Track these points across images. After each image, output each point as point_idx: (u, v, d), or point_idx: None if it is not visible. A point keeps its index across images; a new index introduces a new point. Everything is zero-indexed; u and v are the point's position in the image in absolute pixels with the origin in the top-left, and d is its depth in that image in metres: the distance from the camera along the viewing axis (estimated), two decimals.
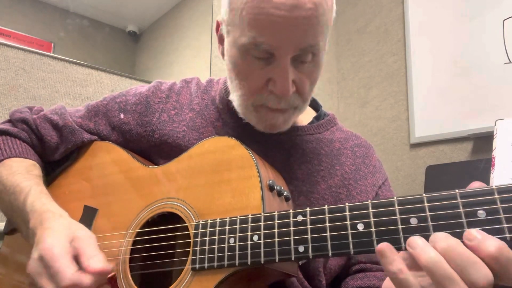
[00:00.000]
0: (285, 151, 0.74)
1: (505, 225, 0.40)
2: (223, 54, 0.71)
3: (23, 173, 0.69)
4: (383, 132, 2.21)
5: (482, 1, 1.84)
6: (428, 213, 0.43)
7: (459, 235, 0.40)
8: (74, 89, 1.57)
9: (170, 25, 2.11)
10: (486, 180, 1.36)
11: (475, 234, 0.39)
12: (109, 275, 0.61)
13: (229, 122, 0.75)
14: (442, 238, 0.40)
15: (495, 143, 1.37)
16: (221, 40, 0.71)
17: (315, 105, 0.86)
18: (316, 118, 0.82)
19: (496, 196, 0.41)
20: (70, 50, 1.81)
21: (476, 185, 0.43)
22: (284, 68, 0.60)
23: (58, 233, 0.55)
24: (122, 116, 0.78)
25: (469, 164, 1.68)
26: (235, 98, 0.69)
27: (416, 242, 0.41)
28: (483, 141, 1.77)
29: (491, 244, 0.38)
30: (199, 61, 2.04)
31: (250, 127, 0.73)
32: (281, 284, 0.64)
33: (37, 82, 1.48)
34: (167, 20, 2.11)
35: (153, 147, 0.76)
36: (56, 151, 0.78)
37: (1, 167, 0.72)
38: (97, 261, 0.52)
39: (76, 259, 0.53)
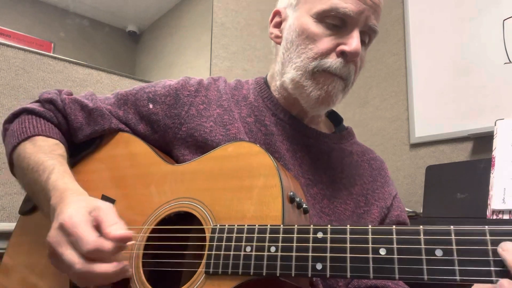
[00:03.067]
0: (313, 154, 0.78)
1: None
2: (277, 37, 0.79)
3: (47, 152, 0.71)
4: (383, 132, 2.21)
5: (482, 1, 1.84)
6: (454, 246, 0.42)
7: (485, 273, 0.39)
8: (74, 89, 1.57)
9: (170, 25, 2.11)
10: (486, 180, 1.36)
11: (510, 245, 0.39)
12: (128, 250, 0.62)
13: (262, 120, 0.77)
14: None
15: (495, 143, 1.37)
16: (277, 25, 0.80)
17: (334, 118, 0.91)
18: (338, 131, 0.87)
19: None
20: (70, 50, 1.80)
21: None
22: (356, 33, 0.69)
23: (78, 204, 0.58)
24: (151, 106, 0.79)
25: (469, 164, 1.67)
26: (291, 68, 0.73)
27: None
28: (483, 141, 1.77)
29: None
30: (200, 61, 2.04)
31: (283, 126, 0.77)
32: None
33: (37, 82, 1.48)
34: (167, 20, 2.11)
35: (178, 139, 0.76)
36: (80, 131, 0.79)
37: (26, 145, 0.73)
38: (117, 228, 0.54)
39: (97, 228, 0.55)
